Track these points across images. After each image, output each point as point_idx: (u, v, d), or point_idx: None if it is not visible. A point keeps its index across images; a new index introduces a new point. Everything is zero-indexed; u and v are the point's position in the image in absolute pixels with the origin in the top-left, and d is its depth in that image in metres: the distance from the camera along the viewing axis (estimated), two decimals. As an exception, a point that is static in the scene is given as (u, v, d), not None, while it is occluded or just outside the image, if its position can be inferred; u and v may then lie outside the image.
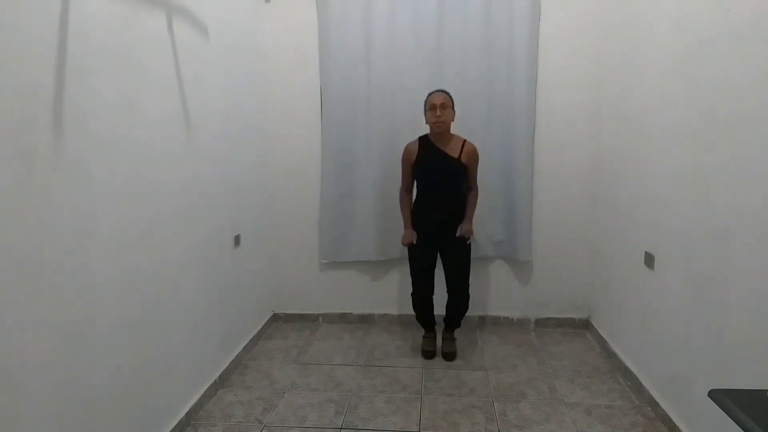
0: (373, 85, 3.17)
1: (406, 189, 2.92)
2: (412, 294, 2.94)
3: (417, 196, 2.91)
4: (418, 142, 2.84)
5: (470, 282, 2.90)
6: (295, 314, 3.53)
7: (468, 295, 2.91)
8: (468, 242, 2.80)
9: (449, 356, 2.95)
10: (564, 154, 3.22)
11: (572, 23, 3.13)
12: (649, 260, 2.42)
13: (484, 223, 3.23)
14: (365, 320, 3.50)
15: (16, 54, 1.34)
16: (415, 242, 2.82)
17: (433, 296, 2.93)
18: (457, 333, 3.12)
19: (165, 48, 2.07)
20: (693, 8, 2.06)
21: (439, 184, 2.79)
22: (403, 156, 2.88)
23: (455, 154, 2.76)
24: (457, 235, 2.75)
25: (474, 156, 2.81)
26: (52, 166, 1.47)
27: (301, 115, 3.33)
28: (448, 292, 2.92)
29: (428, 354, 2.98)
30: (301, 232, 3.44)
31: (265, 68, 3.25)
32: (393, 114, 3.18)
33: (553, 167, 3.24)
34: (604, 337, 3.04)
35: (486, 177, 3.19)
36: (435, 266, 2.90)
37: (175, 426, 2.16)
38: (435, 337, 3.06)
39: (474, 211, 2.86)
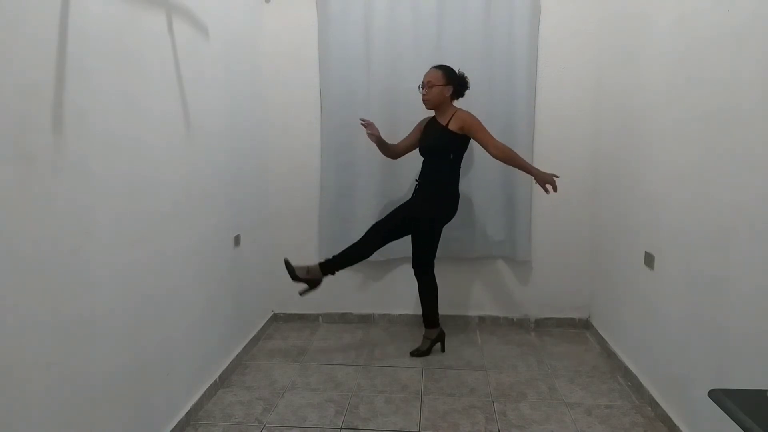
0: (373, 85, 3.17)
1: (395, 144, 2.96)
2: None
3: None
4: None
5: (435, 264, 2.91)
6: (295, 314, 3.53)
7: (430, 275, 2.91)
8: (555, 181, 2.60)
9: (413, 352, 2.96)
10: (564, 154, 3.21)
11: (572, 23, 3.13)
12: (649, 260, 2.41)
13: (483, 223, 3.24)
14: (365, 320, 3.50)
15: (17, 54, 1.34)
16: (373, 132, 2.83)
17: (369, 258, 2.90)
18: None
19: (165, 48, 2.07)
20: (693, 8, 2.06)
21: (423, 150, 2.86)
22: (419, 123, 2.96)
23: (444, 122, 2.78)
24: (545, 187, 2.61)
25: (466, 120, 2.71)
26: (52, 166, 1.46)
27: (300, 115, 3.32)
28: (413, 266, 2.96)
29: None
30: (300, 232, 3.44)
31: (265, 68, 3.25)
32: (393, 114, 3.17)
33: (553, 167, 3.22)
34: (604, 337, 3.04)
35: (486, 177, 3.19)
36: (392, 230, 2.84)
37: (175, 426, 2.16)
38: None
39: (521, 160, 2.72)
